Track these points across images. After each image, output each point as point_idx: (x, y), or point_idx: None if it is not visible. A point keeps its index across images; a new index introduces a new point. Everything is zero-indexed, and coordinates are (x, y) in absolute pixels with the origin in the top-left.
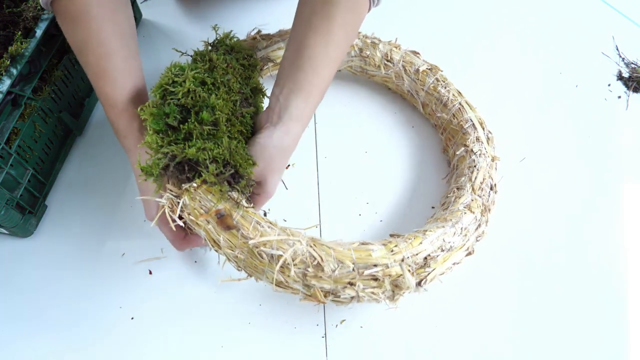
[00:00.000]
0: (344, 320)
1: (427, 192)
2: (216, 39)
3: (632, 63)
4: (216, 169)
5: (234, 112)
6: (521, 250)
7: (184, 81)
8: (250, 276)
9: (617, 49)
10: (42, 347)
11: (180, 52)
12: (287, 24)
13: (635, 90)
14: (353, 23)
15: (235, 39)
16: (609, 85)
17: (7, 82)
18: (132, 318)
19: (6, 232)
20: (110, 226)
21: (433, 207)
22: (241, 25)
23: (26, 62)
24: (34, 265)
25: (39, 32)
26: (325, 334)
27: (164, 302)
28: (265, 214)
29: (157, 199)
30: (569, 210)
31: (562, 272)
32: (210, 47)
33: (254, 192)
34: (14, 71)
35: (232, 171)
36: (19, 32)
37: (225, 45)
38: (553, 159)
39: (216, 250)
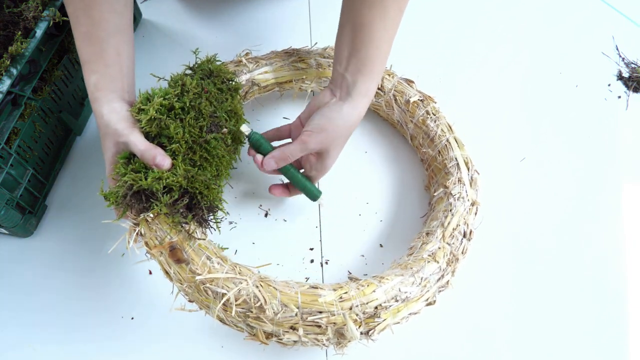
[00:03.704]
0: None
1: (425, 196)
2: (196, 62)
3: (632, 63)
4: (170, 198)
5: (198, 138)
6: (521, 248)
7: (150, 109)
8: (200, 309)
9: (617, 49)
10: (42, 346)
11: (158, 77)
12: (288, 27)
13: (635, 90)
14: None
15: (218, 62)
16: (609, 85)
17: (7, 82)
18: (132, 318)
19: (6, 232)
20: (110, 226)
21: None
22: (241, 26)
23: (26, 62)
24: (34, 265)
25: (39, 32)
26: None
27: (164, 302)
28: (266, 215)
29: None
30: (568, 210)
31: (562, 271)
32: (188, 71)
33: (321, 164)
34: (14, 71)
35: (187, 200)
36: (19, 32)
37: (204, 69)
38: (553, 159)
39: (169, 281)
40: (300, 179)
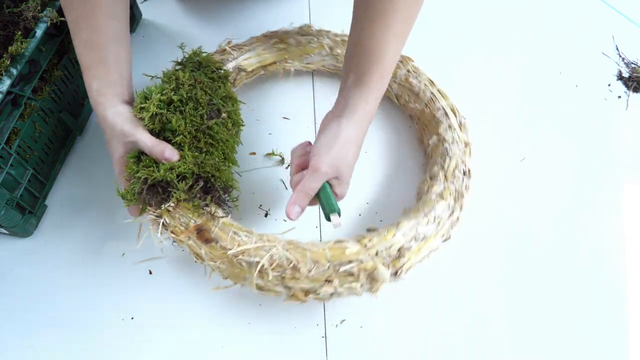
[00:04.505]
0: (343, 320)
1: None
2: (184, 57)
3: (632, 63)
4: (186, 185)
5: (200, 126)
6: (521, 249)
7: (150, 106)
8: (236, 283)
9: (617, 49)
10: (42, 346)
11: (150, 76)
12: (288, 26)
13: (635, 90)
14: (411, 8)
15: (204, 54)
16: (609, 85)
17: (7, 82)
18: (132, 318)
19: (6, 232)
20: (111, 226)
21: None
22: (241, 25)
23: (26, 62)
24: (34, 265)
25: (39, 32)
26: (325, 334)
27: (163, 302)
28: (266, 215)
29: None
30: (569, 210)
31: (561, 272)
32: (178, 66)
33: (335, 191)
34: (14, 71)
35: (202, 183)
36: (19, 32)
37: (193, 62)
38: (553, 159)
39: (201, 263)
40: (327, 191)
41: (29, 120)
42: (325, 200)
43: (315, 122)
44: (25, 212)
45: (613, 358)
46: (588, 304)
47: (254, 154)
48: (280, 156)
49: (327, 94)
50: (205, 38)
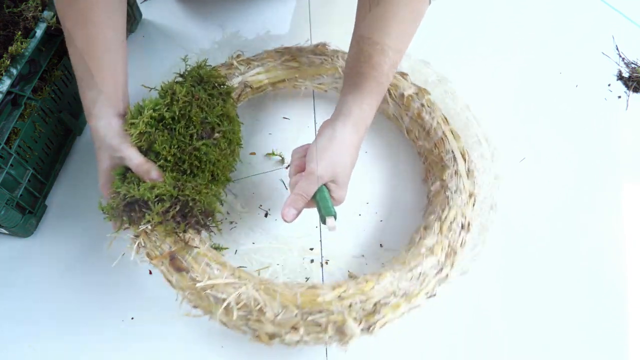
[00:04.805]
0: None
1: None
2: (186, 70)
3: (632, 63)
4: (162, 207)
5: (187, 147)
6: (520, 249)
7: (140, 123)
8: (204, 314)
9: (617, 49)
10: (41, 346)
11: (149, 88)
12: (288, 27)
13: (635, 90)
14: (411, 20)
15: (208, 67)
16: (609, 85)
17: (7, 82)
18: (132, 318)
19: (6, 232)
20: (110, 226)
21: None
22: (241, 26)
23: (26, 62)
24: (34, 265)
25: (39, 32)
26: None
27: (164, 302)
28: (266, 215)
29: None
30: (568, 210)
31: (561, 272)
32: (179, 78)
33: (332, 195)
34: (14, 71)
35: (178, 208)
36: (19, 32)
37: (194, 76)
38: (553, 159)
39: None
40: (324, 194)
41: (29, 120)
42: (322, 203)
43: (315, 122)
44: (25, 212)
45: (613, 358)
46: (588, 303)
47: (254, 154)
48: (280, 156)
49: (327, 95)
50: (206, 38)
